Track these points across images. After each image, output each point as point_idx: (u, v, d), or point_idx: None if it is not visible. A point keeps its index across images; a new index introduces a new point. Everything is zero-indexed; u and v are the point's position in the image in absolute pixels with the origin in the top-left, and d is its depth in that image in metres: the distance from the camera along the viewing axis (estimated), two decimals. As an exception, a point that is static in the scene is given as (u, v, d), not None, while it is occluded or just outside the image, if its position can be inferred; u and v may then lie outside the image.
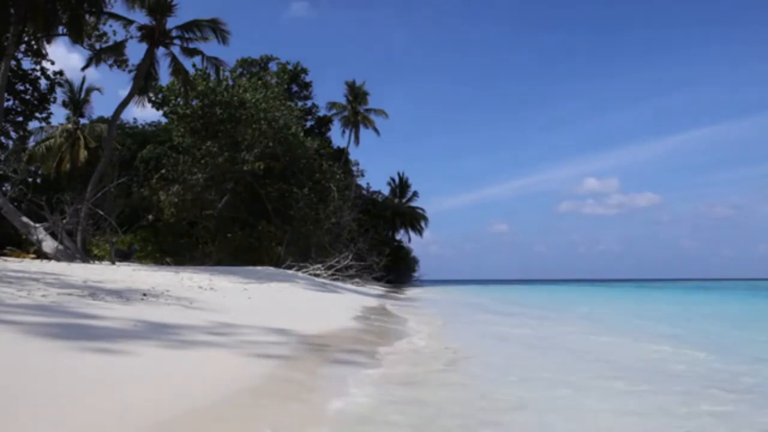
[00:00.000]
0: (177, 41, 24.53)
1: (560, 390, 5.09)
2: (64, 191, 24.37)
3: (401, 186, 60.61)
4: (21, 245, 23.86)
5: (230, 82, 33.10)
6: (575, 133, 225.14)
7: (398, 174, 61.07)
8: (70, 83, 33.80)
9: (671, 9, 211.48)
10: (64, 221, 20.99)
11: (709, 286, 64.32)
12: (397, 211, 57.16)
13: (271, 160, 31.11)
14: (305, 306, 13.17)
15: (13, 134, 30.10)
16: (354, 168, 51.24)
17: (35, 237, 20.75)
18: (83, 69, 26.47)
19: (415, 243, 62.29)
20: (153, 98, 32.84)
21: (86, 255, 21.41)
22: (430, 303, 23.31)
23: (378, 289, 30.60)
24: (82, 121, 35.18)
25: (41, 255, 20.09)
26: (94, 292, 8.63)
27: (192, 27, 24.20)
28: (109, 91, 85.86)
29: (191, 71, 27.90)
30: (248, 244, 30.13)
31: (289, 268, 26.49)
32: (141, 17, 23.61)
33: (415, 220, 60.13)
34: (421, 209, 61.11)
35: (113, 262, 19.68)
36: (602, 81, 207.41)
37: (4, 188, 25.59)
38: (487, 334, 10.50)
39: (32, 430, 2.69)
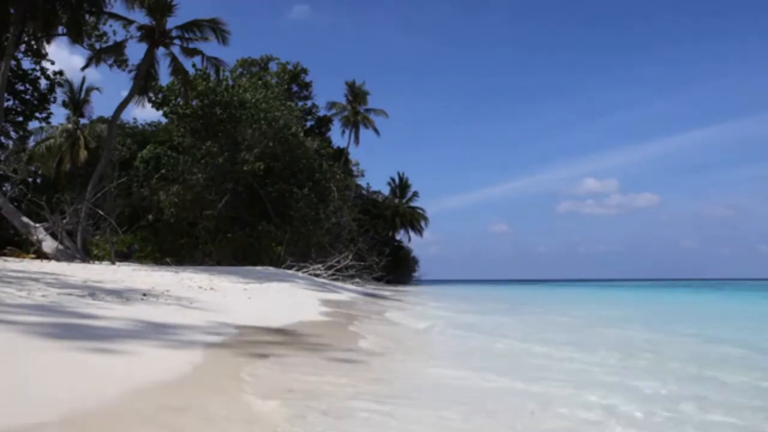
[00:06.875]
0: (177, 41, 24.59)
1: None
2: (64, 191, 24.39)
3: (401, 186, 60.53)
4: (21, 245, 23.81)
5: (230, 82, 33.13)
6: (575, 134, 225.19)
7: (398, 174, 61.01)
8: (70, 83, 33.85)
9: (671, 7, 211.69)
10: (64, 221, 20.97)
11: (721, 285, 62.48)
12: (397, 211, 57.09)
13: (271, 160, 31.11)
14: (305, 305, 13.14)
15: (13, 134, 30.11)
16: (354, 168, 51.26)
17: (35, 237, 20.72)
18: (83, 69, 26.57)
19: (415, 243, 62.21)
20: (153, 98, 32.83)
21: (86, 255, 21.40)
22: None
23: (384, 290, 29.84)
24: (82, 121, 35.22)
25: (41, 255, 20.05)
26: (94, 292, 8.62)
27: (192, 27, 24.22)
28: (109, 91, 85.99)
29: (191, 71, 27.95)
30: (248, 244, 30.10)
31: (289, 268, 26.47)
32: (141, 17, 23.68)
33: (415, 220, 60.04)
34: (421, 209, 61.06)
35: (113, 262, 19.66)
36: (601, 81, 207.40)
37: (4, 188, 25.56)
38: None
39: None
